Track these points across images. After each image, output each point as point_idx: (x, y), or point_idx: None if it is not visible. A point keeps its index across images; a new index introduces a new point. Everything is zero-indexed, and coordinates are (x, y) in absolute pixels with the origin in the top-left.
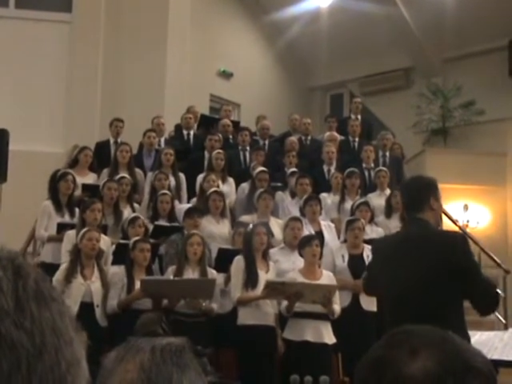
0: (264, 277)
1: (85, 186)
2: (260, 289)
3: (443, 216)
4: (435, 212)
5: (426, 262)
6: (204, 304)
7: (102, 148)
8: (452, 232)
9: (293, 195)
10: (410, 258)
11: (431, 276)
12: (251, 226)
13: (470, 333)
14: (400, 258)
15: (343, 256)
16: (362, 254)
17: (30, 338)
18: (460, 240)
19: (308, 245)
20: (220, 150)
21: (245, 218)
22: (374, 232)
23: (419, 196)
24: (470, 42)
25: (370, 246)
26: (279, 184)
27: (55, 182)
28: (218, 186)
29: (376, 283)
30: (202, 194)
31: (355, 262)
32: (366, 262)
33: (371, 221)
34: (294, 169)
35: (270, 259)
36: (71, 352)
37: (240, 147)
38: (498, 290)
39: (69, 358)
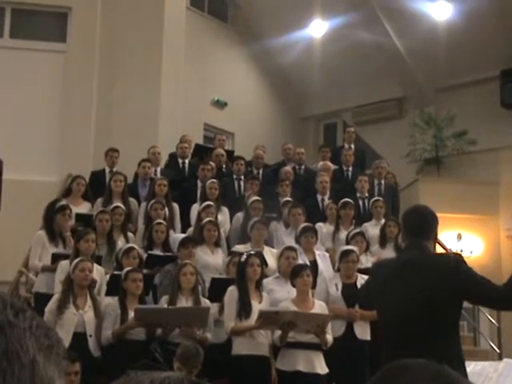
0: (257, 307)
1: (78, 216)
2: (253, 319)
3: (437, 245)
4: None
5: (426, 283)
6: (198, 333)
7: (97, 177)
8: (451, 254)
9: (287, 225)
10: (410, 280)
11: (431, 298)
12: (245, 256)
13: (465, 363)
14: (400, 280)
15: (337, 285)
16: (355, 282)
17: None
18: (459, 259)
19: (299, 275)
20: (214, 180)
21: (238, 248)
22: (368, 262)
23: (428, 224)
24: (461, 72)
25: (364, 276)
26: (274, 215)
27: (52, 212)
28: (216, 217)
29: (372, 302)
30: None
31: (349, 290)
32: None
33: (366, 250)
34: (287, 198)
35: (263, 289)
36: (31, 374)
37: (235, 176)
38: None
39: (26, 380)
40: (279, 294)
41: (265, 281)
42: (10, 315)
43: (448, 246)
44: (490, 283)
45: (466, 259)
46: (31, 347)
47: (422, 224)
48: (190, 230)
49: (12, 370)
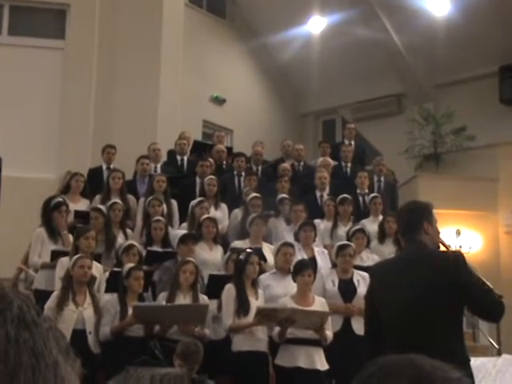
0: (254, 304)
1: (77, 213)
2: (251, 316)
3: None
4: (431, 236)
5: (426, 281)
6: (197, 329)
7: (94, 174)
8: (450, 251)
9: (288, 222)
10: (410, 278)
11: (432, 295)
12: (244, 254)
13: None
14: (399, 278)
15: (333, 281)
16: (351, 278)
17: (3, 356)
18: (459, 258)
19: (300, 274)
20: (212, 176)
21: (237, 244)
22: (370, 259)
23: (412, 220)
24: (460, 68)
25: (360, 272)
26: (272, 212)
27: (49, 209)
28: (208, 212)
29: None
30: (193, 219)
31: (345, 286)
32: (356, 286)
33: (367, 247)
34: (283, 195)
35: (258, 286)
36: (54, 374)
37: (235, 172)
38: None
39: (50, 379)
40: (276, 289)
41: (261, 276)
42: (34, 315)
43: (447, 242)
44: (485, 286)
45: (465, 255)
46: (53, 348)
47: (407, 222)
48: (184, 225)
49: (39, 368)
